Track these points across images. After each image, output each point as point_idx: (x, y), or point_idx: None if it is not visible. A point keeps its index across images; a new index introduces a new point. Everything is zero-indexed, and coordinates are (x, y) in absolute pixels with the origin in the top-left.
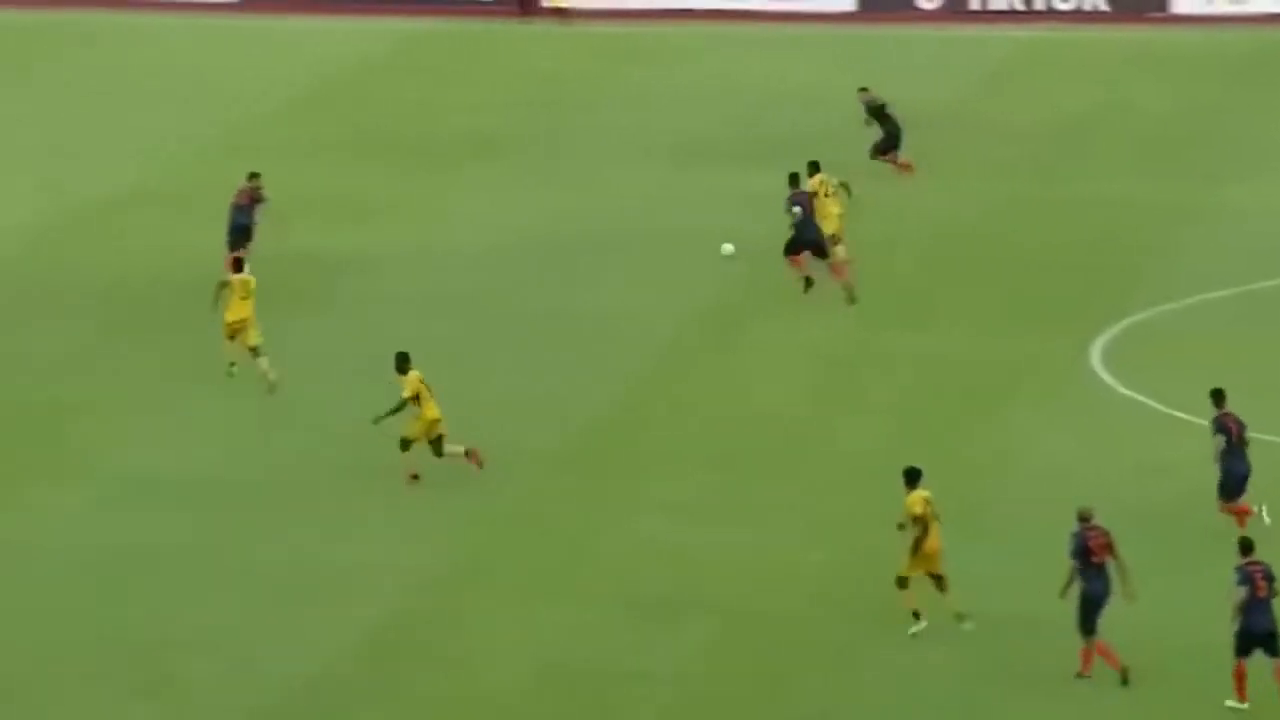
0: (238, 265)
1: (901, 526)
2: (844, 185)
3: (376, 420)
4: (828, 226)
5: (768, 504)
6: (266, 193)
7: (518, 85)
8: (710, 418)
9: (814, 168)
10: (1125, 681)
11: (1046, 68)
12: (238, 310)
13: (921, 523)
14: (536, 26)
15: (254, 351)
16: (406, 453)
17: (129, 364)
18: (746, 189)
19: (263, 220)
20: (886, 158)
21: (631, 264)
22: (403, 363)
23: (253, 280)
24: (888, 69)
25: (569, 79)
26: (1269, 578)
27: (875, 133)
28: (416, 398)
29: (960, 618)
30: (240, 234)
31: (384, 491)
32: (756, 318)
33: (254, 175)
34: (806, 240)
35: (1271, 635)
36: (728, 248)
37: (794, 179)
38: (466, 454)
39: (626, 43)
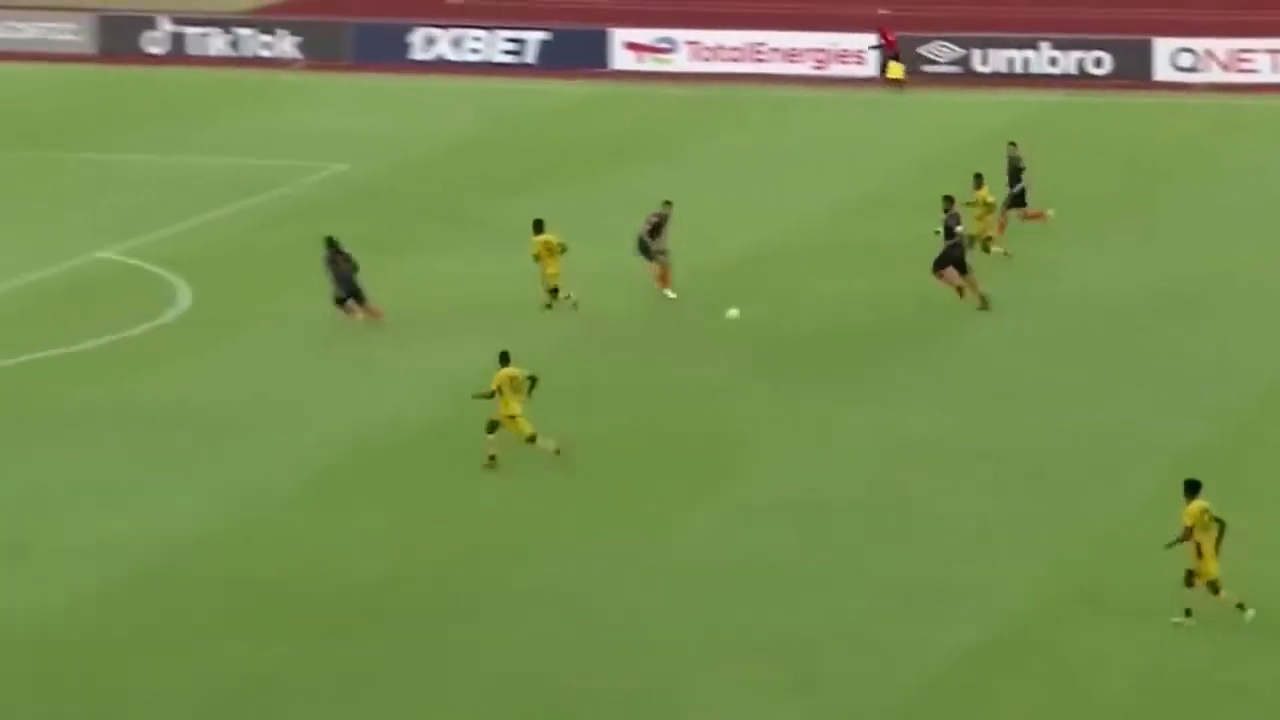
0: (538, 227)
1: (1175, 543)
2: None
3: (475, 396)
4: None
5: None
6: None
7: (1133, 152)
8: None
9: (979, 180)
10: None
11: None
12: (555, 265)
13: (1185, 531)
14: (1154, 98)
15: (554, 294)
16: (491, 435)
17: (788, 396)
18: None
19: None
20: (1018, 211)
21: (1236, 318)
22: (502, 360)
23: (552, 239)
24: None
25: (1180, 147)
26: None
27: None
28: (499, 391)
29: (1187, 613)
30: (645, 252)
31: (984, 510)
32: None
33: (667, 203)
34: (954, 257)
35: None
36: (733, 312)
37: (948, 201)
38: (556, 451)
39: (1230, 114)
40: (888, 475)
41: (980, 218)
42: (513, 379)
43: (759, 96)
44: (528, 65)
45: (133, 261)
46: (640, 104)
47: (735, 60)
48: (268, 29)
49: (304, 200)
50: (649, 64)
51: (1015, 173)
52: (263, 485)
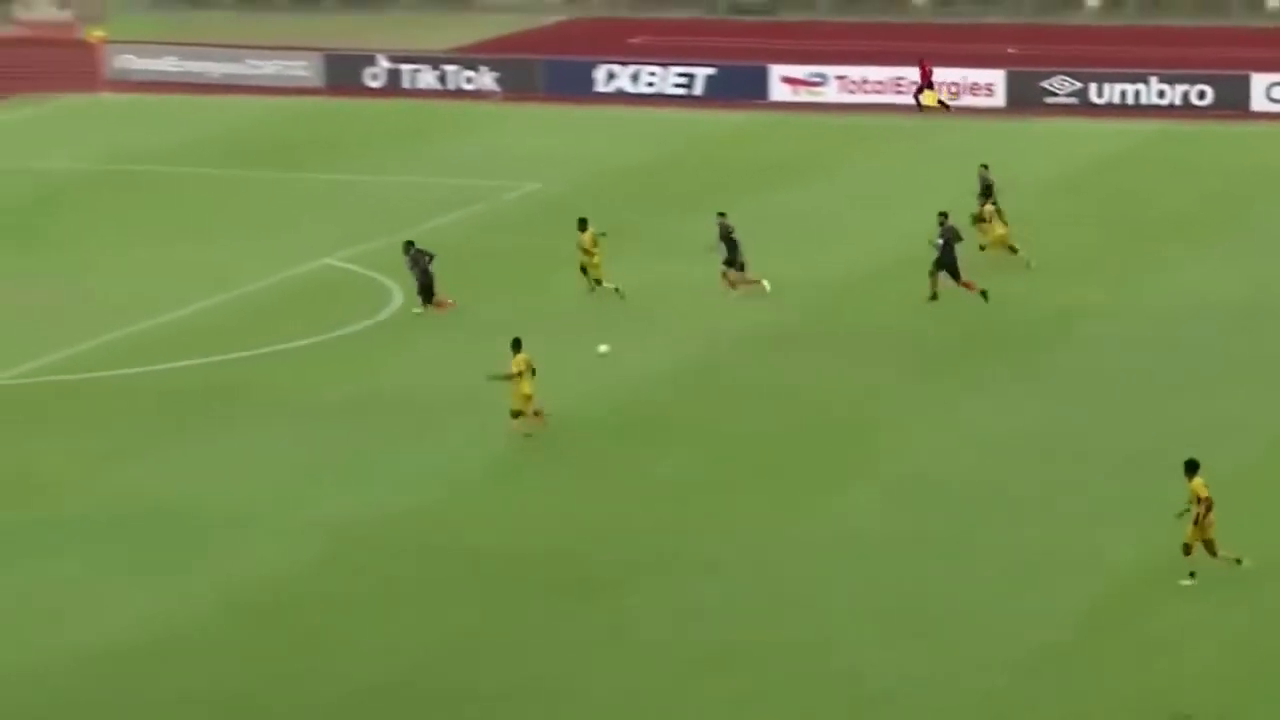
0: (582, 225)
1: (1184, 514)
2: (1000, 212)
3: (489, 378)
4: (997, 242)
5: None
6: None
7: (1231, 174)
8: None
9: (986, 196)
10: None
11: None
12: (598, 259)
13: (1205, 503)
14: (1251, 127)
15: (599, 282)
16: (516, 420)
17: (917, 390)
18: None
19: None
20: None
21: None
22: (515, 347)
23: (590, 236)
24: None
25: (1274, 171)
26: None
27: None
28: (520, 374)
29: (1238, 561)
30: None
31: (1091, 489)
32: None
33: (721, 214)
34: (946, 263)
35: None
36: (603, 348)
37: (943, 216)
38: (535, 413)
39: None
40: (1006, 459)
41: (989, 229)
42: (528, 362)
43: (899, 125)
44: (696, 97)
45: (353, 268)
46: (795, 131)
47: (879, 92)
48: (471, 65)
49: (502, 214)
50: (803, 96)
51: (986, 191)
52: (461, 463)
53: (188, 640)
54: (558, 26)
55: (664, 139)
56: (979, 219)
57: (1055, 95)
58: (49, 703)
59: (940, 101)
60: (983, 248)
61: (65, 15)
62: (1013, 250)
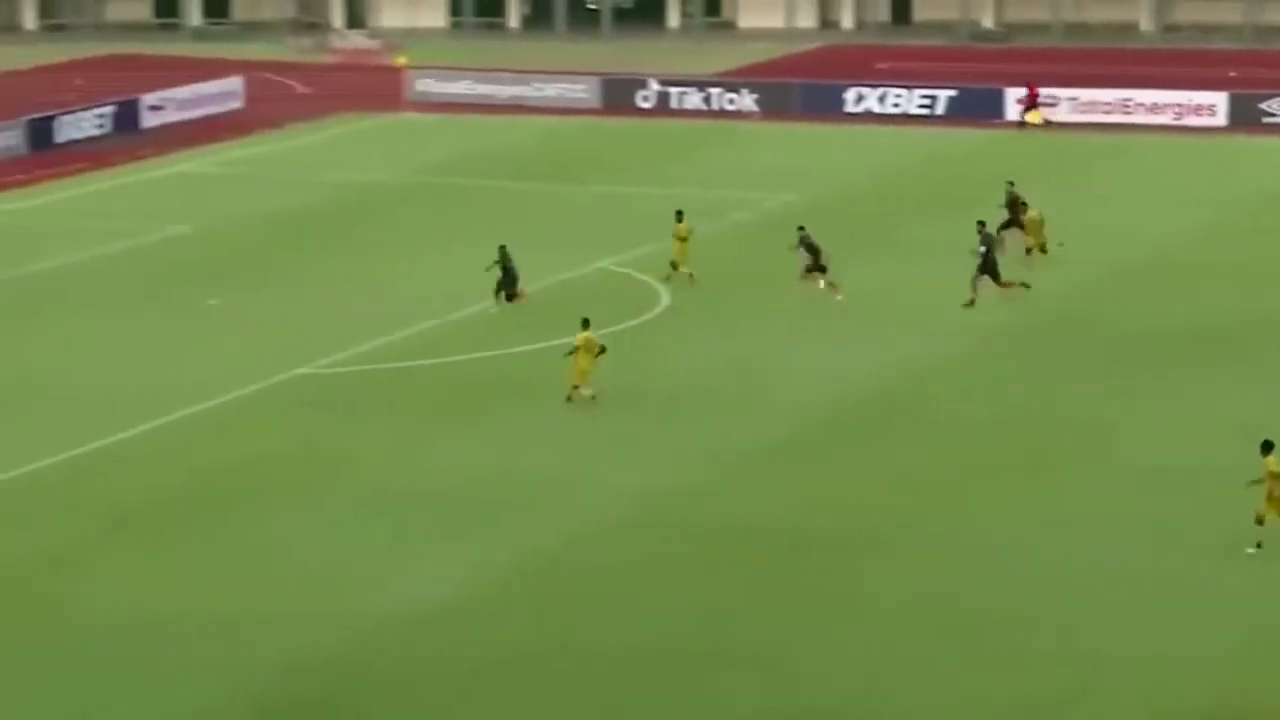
0: (679, 217)
1: (1256, 482)
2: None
3: (565, 355)
4: (1037, 245)
5: None
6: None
7: None
8: None
9: (1025, 207)
10: None
11: None
12: (683, 248)
13: (1270, 479)
14: None
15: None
16: (573, 391)
17: (1147, 383)
18: None
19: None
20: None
21: None
22: (584, 325)
23: (685, 227)
24: None
25: None
26: None
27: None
28: (579, 348)
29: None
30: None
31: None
32: None
33: (800, 228)
34: (989, 267)
35: None
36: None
37: (981, 224)
38: (591, 396)
39: None
40: (1229, 446)
41: (1032, 231)
42: (588, 340)
43: (1126, 142)
44: (938, 116)
45: (624, 270)
46: (1028, 148)
47: (1107, 113)
48: (733, 88)
49: (761, 221)
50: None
51: (1012, 206)
52: (719, 448)
53: (478, 603)
54: (812, 53)
55: (908, 154)
56: (1020, 226)
57: (1273, 116)
58: (355, 660)
59: (1045, 120)
60: (1028, 250)
61: (375, 44)
62: (1043, 250)
